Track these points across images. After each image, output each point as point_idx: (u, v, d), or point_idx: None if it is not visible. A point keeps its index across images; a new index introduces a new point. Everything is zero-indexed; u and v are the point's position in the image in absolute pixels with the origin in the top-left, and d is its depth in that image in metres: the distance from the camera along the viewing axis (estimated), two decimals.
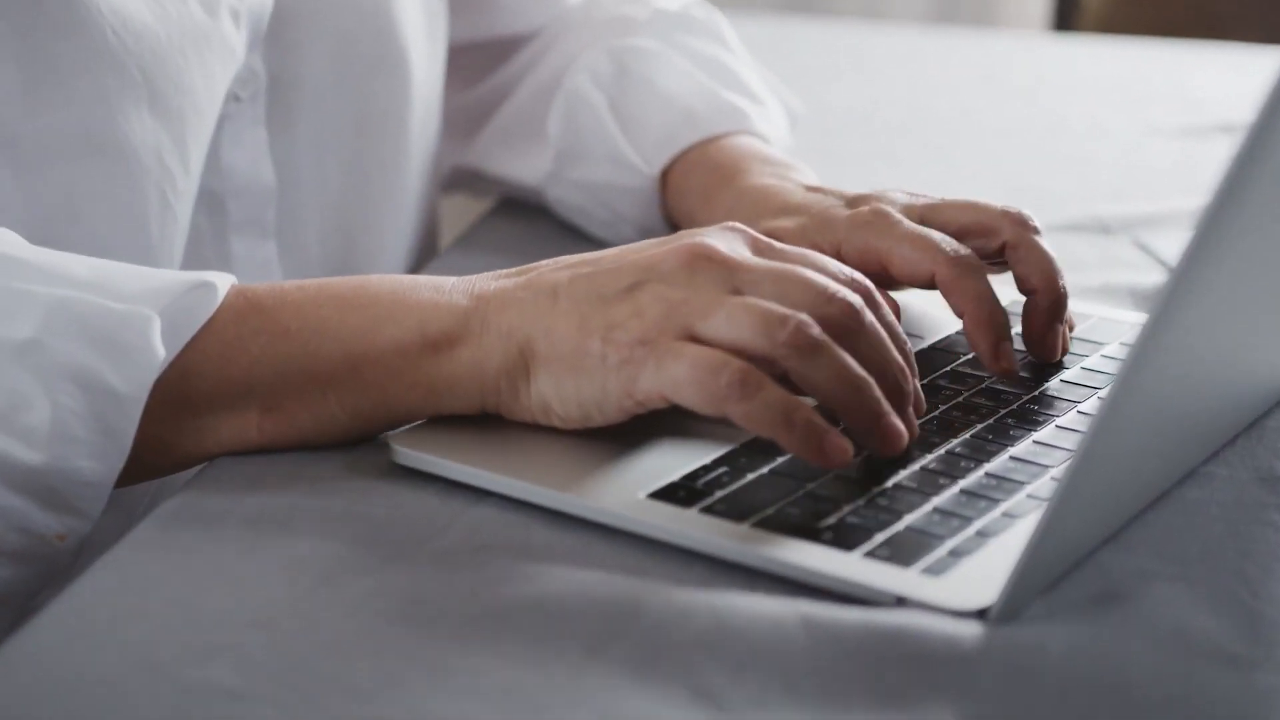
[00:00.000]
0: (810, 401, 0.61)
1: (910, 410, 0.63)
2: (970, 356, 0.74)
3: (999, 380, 0.71)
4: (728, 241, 0.64)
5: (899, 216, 0.73)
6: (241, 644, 0.53)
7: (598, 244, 0.93)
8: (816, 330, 0.60)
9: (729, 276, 0.62)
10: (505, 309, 0.64)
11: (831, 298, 0.61)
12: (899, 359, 0.63)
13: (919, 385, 0.65)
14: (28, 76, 0.70)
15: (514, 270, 0.66)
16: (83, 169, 0.73)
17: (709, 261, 0.62)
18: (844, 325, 0.61)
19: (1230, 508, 0.63)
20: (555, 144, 0.93)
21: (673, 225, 0.91)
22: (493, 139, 1.00)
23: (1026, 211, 0.74)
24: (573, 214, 0.95)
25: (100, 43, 0.71)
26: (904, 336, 0.64)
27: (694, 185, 0.87)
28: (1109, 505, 0.59)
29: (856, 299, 0.62)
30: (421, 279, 0.66)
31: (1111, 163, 1.15)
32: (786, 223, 0.76)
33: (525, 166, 0.96)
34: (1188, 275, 0.51)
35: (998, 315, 0.69)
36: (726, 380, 0.59)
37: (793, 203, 0.79)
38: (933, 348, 0.75)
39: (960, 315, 0.70)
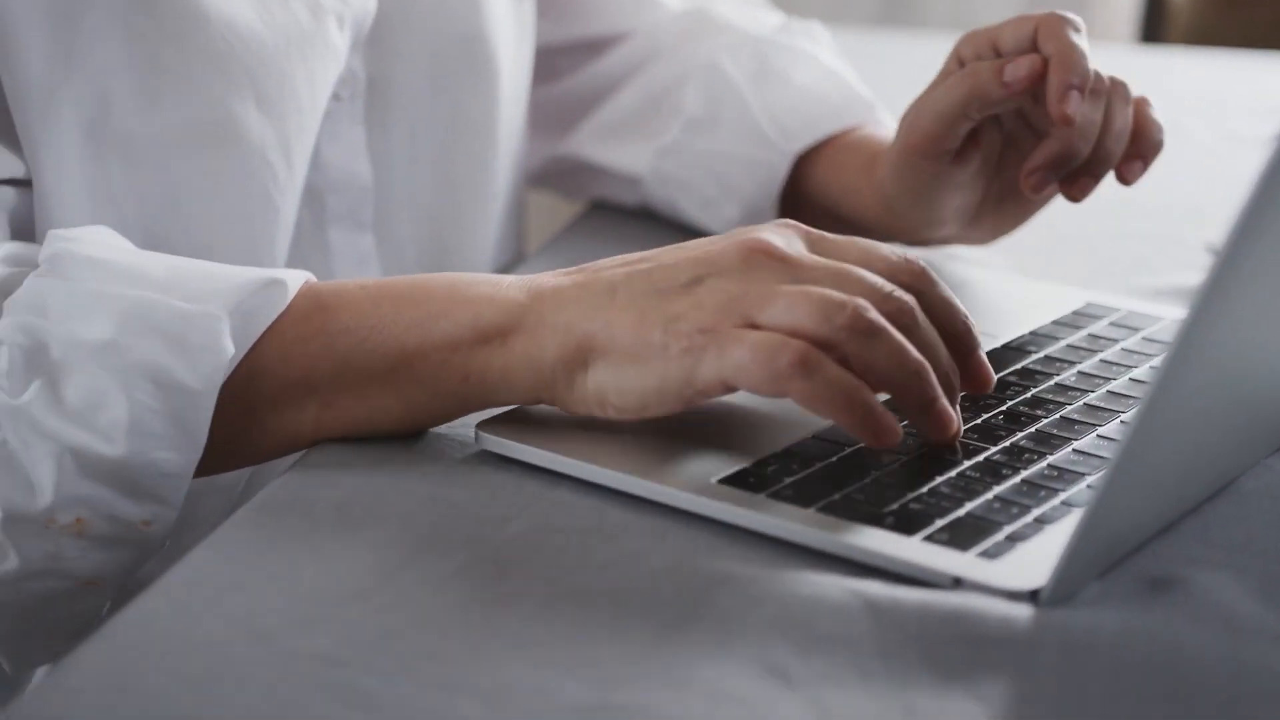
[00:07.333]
0: None
1: (956, 403, 0.65)
2: (1040, 355, 0.76)
3: (1069, 379, 0.74)
4: (784, 238, 0.65)
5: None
6: (338, 616, 0.56)
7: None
8: (874, 314, 0.62)
9: (786, 270, 0.64)
10: (563, 305, 0.65)
11: (887, 296, 0.63)
12: (948, 359, 0.65)
13: (988, 364, 0.66)
14: (139, 78, 0.74)
15: (572, 269, 0.68)
16: (191, 166, 0.77)
17: (766, 256, 0.64)
18: (898, 320, 0.63)
19: None
20: (688, 112, 0.97)
21: (815, 207, 0.94)
22: (594, 133, 1.03)
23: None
24: (675, 191, 0.97)
25: (209, 46, 0.75)
26: (963, 309, 0.66)
27: (854, 164, 0.91)
28: (1160, 496, 0.61)
29: (909, 299, 0.64)
30: (481, 276, 0.68)
31: (1192, 170, 1.16)
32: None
33: (629, 157, 0.99)
34: (1230, 268, 0.53)
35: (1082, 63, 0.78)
36: (787, 360, 0.61)
37: None
38: (1005, 346, 0.78)
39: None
